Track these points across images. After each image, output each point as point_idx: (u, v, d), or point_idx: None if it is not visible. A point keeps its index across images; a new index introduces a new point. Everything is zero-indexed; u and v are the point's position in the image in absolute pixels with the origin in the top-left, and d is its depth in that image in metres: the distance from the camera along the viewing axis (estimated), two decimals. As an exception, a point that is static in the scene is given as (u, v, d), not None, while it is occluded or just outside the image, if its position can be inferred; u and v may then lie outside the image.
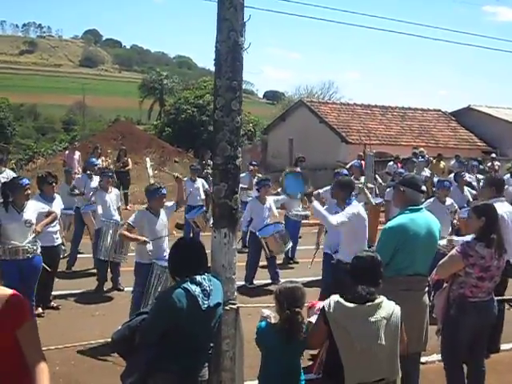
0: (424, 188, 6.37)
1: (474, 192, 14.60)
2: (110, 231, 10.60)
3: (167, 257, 8.44)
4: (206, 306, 4.73)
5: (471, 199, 13.38)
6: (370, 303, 4.57)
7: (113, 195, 11.76)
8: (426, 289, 6.39)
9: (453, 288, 6.19)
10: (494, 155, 25.09)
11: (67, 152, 21.64)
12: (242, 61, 5.37)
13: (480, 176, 18.12)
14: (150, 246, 8.58)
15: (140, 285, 8.38)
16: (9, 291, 3.81)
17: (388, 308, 4.65)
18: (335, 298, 4.61)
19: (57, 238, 9.78)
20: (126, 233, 8.77)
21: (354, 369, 4.51)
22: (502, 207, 7.60)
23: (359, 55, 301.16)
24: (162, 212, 8.88)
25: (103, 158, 20.32)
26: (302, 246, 13.95)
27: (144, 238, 8.60)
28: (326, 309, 4.54)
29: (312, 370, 5.77)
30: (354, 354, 4.49)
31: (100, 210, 11.49)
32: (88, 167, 13.36)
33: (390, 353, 4.65)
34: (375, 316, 4.54)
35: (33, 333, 3.84)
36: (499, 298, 7.03)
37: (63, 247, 10.50)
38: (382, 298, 4.66)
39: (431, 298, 6.73)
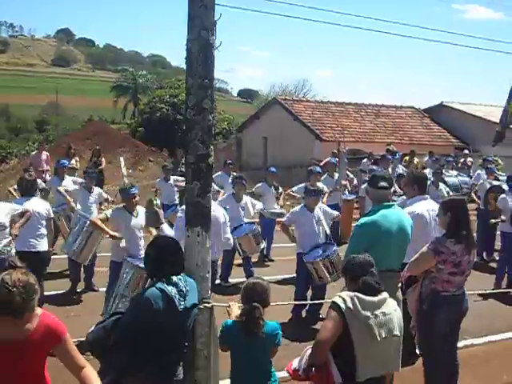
0: (383, 184, 6.35)
1: (447, 189, 14.77)
2: (84, 230, 10.22)
3: (141, 255, 8.50)
4: (182, 307, 4.74)
5: (446, 195, 13.52)
6: (380, 296, 4.65)
7: (94, 195, 11.77)
8: (399, 284, 6.46)
9: (424, 283, 6.25)
10: (466, 151, 25.29)
11: (33, 153, 21.43)
12: (214, 59, 5.37)
13: (455, 172, 18.31)
14: (123, 243, 8.60)
15: (113, 283, 8.35)
16: (39, 311, 3.99)
17: (392, 301, 4.77)
18: (349, 293, 4.62)
19: (39, 244, 9.31)
20: (99, 222, 8.82)
21: (367, 363, 4.54)
22: (424, 205, 7.61)
23: (330, 53, 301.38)
24: (140, 212, 8.89)
25: (77, 158, 20.17)
26: (277, 243, 13.96)
27: (114, 233, 8.69)
28: (343, 305, 4.50)
29: None
30: (371, 347, 4.53)
31: (80, 207, 11.51)
32: (58, 169, 13.25)
33: (398, 345, 4.76)
34: (388, 308, 4.64)
35: (69, 347, 4.09)
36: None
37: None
38: (386, 293, 4.74)
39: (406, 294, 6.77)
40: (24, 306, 3.77)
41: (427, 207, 7.63)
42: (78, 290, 10.96)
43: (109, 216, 8.77)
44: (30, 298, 3.81)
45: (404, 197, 10.29)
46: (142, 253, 8.55)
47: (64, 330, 4.04)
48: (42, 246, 9.33)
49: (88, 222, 10.18)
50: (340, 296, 4.61)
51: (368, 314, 4.50)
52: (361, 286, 4.63)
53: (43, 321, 3.94)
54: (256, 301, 4.95)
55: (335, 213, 10.62)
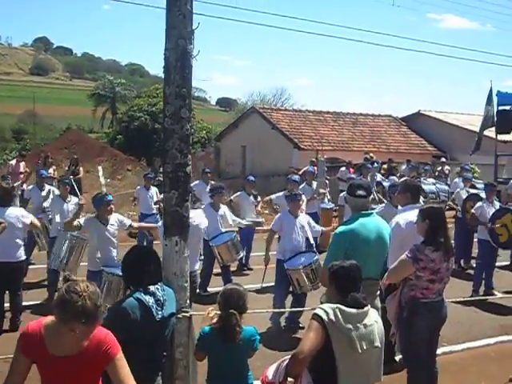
0: (361, 192, 6.37)
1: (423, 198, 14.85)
2: (67, 242, 10.15)
3: (117, 264, 8.50)
4: (159, 316, 4.72)
5: (422, 203, 13.59)
6: (363, 309, 4.61)
7: (71, 204, 11.56)
8: (378, 292, 6.48)
9: (404, 291, 6.27)
10: (443, 159, 25.45)
11: (12, 163, 21.19)
12: (191, 68, 5.38)
13: (433, 180, 18.40)
14: (98, 254, 8.56)
15: None
16: None
17: (374, 312, 4.75)
18: (331, 305, 4.56)
19: (17, 253, 9.24)
20: (70, 221, 8.90)
21: (349, 375, 4.50)
22: (415, 214, 7.67)
23: (308, 62, 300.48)
24: (113, 220, 8.86)
25: (54, 167, 20.08)
26: (256, 252, 13.96)
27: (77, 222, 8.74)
28: (325, 317, 4.45)
29: None
30: (352, 359, 4.50)
31: (58, 218, 11.38)
32: (38, 179, 13.26)
33: (379, 356, 4.74)
34: (369, 320, 4.60)
35: (121, 366, 3.89)
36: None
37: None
38: (368, 305, 4.72)
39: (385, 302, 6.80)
40: (95, 312, 3.66)
41: None
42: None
43: (82, 224, 8.76)
44: (99, 305, 3.69)
45: (383, 205, 10.37)
46: (117, 261, 8.58)
47: (117, 348, 3.91)
48: (20, 255, 9.27)
49: (69, 234, 10.12)
50: (322, 308, 4.57)
51: (350, 326, 4.47)
52: (348, 301, 4.58)
53: (97, 335, 3.82)
54: (233, 307, 4.93)
55: (318, 228, 10.58)
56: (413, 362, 6.42)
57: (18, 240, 9.20)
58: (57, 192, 12.73)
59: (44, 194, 12.73)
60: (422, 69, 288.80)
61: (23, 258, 9.36)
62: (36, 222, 9.75)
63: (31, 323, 4.01)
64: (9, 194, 9.39)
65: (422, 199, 14.21)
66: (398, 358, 7.59)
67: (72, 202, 11.61)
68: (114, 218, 9.01)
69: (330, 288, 4.86)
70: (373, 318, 4.66)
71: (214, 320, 5.13)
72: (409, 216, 7.47)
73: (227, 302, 4.99)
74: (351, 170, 21.18)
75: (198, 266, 9.05)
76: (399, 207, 8.25)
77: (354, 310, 4.53)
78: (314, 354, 4.44)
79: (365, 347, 4.52)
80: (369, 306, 4.71)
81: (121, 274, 7.73)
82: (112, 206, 8.92)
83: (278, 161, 28.82)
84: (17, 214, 9.35)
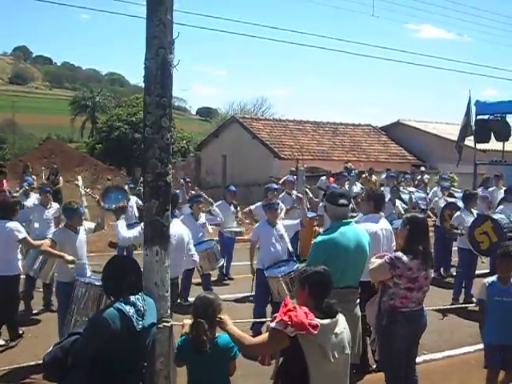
0: (343, 201, 6.39)
1: (405, 206, 14.96)
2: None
3: (88, 274, 8.46)
4: (140, 326, 4.71)
5: (402, 212, 13.71)
6: (334, 318, 4.58)
7: (51, 211, 11.77)
8: (358, 300, 6.50)
9: (383, 299, 6.29)
10: (423, 168, 25.56)
11: None
12: (172, 78, 5.37)
13: (413, 189, 18.52)
14: (72, 264, 8.49)
15: (63, 304, 8.22)
16: None
17: (342, 319, 4.72)
18: None
19: (7, 268, 9.00)
20: (50, 249, 8.53)
21: (321, 382, 4.47)
22: (378, 224, 7.82)
23: (288, 72, 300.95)
24: (82, 229, 8.80)
25: (34, 176, 19.92)
26: (237, 262, 13.95)
27: (70, 257, 8.36)
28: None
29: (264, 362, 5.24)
30: (324, 368, 4.47)
31: (37, 225, 11.45)
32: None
33: (347, 362, 4.73)
34: (339, 328, 4.59)
35: None
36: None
37: None
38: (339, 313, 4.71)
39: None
40: None
41: (381, 226, 7.80)
42: (36, 311, 10.79)
43: (54, 239, 8.56)
44: None
45: (361, 214, 10.40)
46: (88, 270, 8.53)
47: None
48: (13, 269, 9.11)
49: None
50: None
51: (323, 338, 4.45)
52: (323, 308, 4.57)
53: None
54: (201, 316, 4.89)
55: (296, 222, 10.60)
56: (391, 370, 6.43)
57: (9, 255, 9.02)
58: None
59: (30, 201, 12.67)
60: (401, 79, 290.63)
61: (15, 272, 9.16)
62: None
63: None
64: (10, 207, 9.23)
65: (402, 206, 14.41)
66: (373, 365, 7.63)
67: (52, 208, 11.83)
68: (83, 226, 8.95)
69: (302, 294, 4.76)
70: (342, 326, 4.64)
71: (186, 329, 5.09)
72: (370, 226, 7.56)
73: (196, 311, 4.96)
74: (331, 179, 21.20)
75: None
76: (361, 215, 8.31)
77: (326, 321, 4.50)
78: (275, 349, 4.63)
79: (336, 356, 4.50)
80: (339, 313, 4.68)
81: (95, 283, 7.79)
82: (83, 217, 8.91)
83: (258, 170, 28.85)
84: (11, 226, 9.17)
